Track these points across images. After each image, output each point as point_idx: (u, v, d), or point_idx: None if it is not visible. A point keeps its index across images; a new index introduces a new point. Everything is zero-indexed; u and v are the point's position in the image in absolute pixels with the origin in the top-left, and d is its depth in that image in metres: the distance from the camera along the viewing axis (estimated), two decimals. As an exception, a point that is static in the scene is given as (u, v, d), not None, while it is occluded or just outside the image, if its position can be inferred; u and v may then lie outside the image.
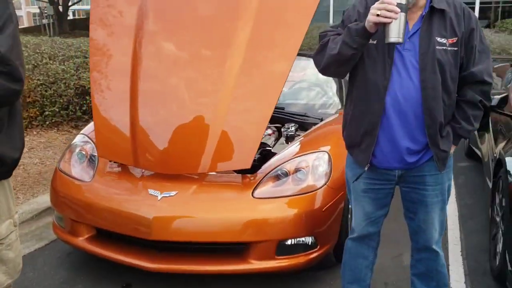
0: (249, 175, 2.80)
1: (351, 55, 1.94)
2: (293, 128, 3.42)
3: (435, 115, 1.99)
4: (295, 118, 3.60)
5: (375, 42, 1.99)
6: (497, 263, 2.82)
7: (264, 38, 2.83)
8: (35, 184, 4.11)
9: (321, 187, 2.70)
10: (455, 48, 1.98)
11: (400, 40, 1.82)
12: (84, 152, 3.12)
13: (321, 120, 3.54)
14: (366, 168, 2.13)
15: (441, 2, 1.99)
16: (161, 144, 2.80)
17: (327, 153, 2.86)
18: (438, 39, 1.96)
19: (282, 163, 2.82)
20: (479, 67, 2.02)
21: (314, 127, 3.38)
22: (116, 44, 3.05)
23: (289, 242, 2.64)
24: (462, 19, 1.99)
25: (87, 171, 2.99)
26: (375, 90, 2.01)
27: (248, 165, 2.67)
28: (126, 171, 2.93)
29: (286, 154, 2.94)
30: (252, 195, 2.65)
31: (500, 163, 3.01)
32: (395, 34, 1.81)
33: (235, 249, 2.66)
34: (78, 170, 3.01)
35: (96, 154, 3.05)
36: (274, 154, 3.07)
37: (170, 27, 3.00)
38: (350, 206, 2.99)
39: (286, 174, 2.77)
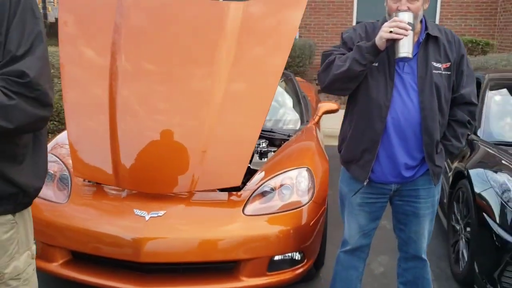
0: (234, 192, 2.81)
1: (360, 71, 2.05)
2: (264, 144, 3.48)
3: (432, 134, 2.15)
4: (264, 134, 3.66)
5: (376, 64, 2.12)
6: (461, 268, 3.06)
7: (248, 58, 2.87)
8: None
9: (307, 203, 2.77)
10: (449, 72, 2.16)
11: (410, 55, 1.96)
12: (52, 172, 2.93)
13: (289, 136, 3.63)
14: (365, 183, 2.24)
15: (434, 29, 2.17)
16: (145, 162, 2.72)
17: (308, 168, 2.95)
18: (434, 63, 2.13)
19: (266, 180, 2.86)
20: (467, 89, 2.21)
21: (285, 143, 3.45)
22: (91, 58, 2.93)
23: (279, 258, 2.68)
24: (454, 45, 2.18)
25: (59, 192, 2.82)
26: (377, 109, 2.13)
27: (238, 183, 2.68)
28: (105, 191, 2.81)
29: (266, 170, 2.98)
30: (243, 213, 2.66)
31: (459, 175, 3.28)
32: (405, 49, 1.96)
33: (226, 267, 2.64)
34: (49, 191, 2.82)
35: (66, 173, 2.90)
36: (252, 170, 3.10)
37: (149, 41, 2.94)
38: (326, 220, 3.11)
39: (272, 191, 2.81)
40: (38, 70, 1.38)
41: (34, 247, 1.64)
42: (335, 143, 2.46)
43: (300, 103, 4.35)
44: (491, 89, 3.86)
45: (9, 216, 1.49)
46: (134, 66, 2.89)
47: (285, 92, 4.60)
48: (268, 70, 2.85)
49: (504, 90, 4.04)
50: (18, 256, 1.54)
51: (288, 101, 4.43)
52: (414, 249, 2.39)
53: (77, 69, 2.92)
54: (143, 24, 3.01)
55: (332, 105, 4.33)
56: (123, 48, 2.88)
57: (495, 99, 3.86)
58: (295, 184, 2.85)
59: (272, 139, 3.64)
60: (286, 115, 4.16)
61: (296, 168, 2.94)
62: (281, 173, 2.90)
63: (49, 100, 1.44)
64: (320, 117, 4.23)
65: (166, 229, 2.54)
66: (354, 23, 11.26)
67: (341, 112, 4.42)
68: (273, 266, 2.65)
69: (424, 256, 2.42)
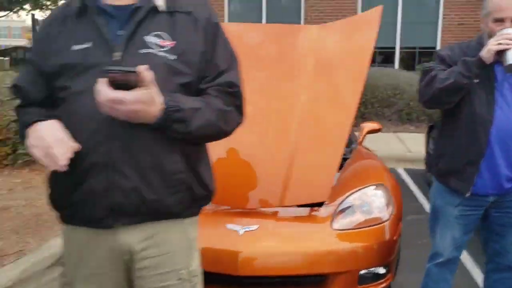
0: (315, 208, 2.86)
1: (465, 84, 2.17)
2: (327, 163, 3.54)
3: (535, 145, 2.25)
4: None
5: (477, 81, 2.24)
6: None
7: (326, 82, 2.99)
8: (38, 227, 3.77)
9: (389, 217, 2.84)
10: (542, 86, 2.28)
11: None
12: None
13: (345, 155, 3.71)
14: (467, 195, 2.32)
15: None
16: (235, 178, 2.78)
17: (383, 184, 3.03)
18: None
19: (346, 197, 2.91)
20: None
21: (346, 162, 3.52)
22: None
23: (364, 272, 2.73)
24: None
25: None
26: (481, 123, 2.24)
27: (325, 198, 2.75)
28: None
29: (340, 188, 3.03)
30: (332, 227, 2.71)
31: None
32: None
33: (317, 281, 2.68)
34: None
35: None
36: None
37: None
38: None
39: (352, 207, 2.87)
40: (240, 83, 1.55)
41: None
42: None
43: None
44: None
45: (198, 216, 1.60)
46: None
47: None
48: (347, 91, 2.96)
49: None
50: (197, 254, 1.62)
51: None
52: (510, 259, 2.45)
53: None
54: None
55: (374, 125, 4.45)
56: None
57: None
58: (374, 201, 2.92)
59: None
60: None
61: (372, 185, 3.02)
62: (357, 191, 2.97)
63: (244, 111, 1.59)
64: (364, 137, 4.33)
65: (261, 243, 2.59)
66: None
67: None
68: (363, 280, 2.70)
69: (516, 266, 2.49)
